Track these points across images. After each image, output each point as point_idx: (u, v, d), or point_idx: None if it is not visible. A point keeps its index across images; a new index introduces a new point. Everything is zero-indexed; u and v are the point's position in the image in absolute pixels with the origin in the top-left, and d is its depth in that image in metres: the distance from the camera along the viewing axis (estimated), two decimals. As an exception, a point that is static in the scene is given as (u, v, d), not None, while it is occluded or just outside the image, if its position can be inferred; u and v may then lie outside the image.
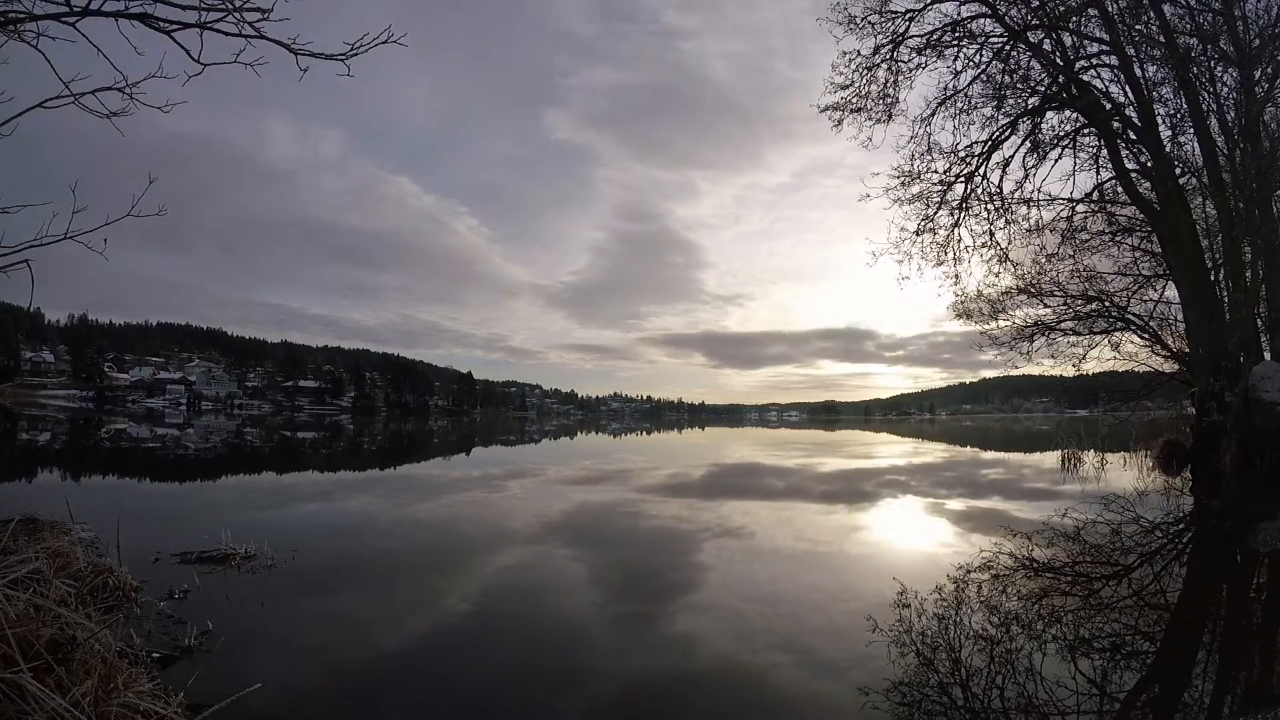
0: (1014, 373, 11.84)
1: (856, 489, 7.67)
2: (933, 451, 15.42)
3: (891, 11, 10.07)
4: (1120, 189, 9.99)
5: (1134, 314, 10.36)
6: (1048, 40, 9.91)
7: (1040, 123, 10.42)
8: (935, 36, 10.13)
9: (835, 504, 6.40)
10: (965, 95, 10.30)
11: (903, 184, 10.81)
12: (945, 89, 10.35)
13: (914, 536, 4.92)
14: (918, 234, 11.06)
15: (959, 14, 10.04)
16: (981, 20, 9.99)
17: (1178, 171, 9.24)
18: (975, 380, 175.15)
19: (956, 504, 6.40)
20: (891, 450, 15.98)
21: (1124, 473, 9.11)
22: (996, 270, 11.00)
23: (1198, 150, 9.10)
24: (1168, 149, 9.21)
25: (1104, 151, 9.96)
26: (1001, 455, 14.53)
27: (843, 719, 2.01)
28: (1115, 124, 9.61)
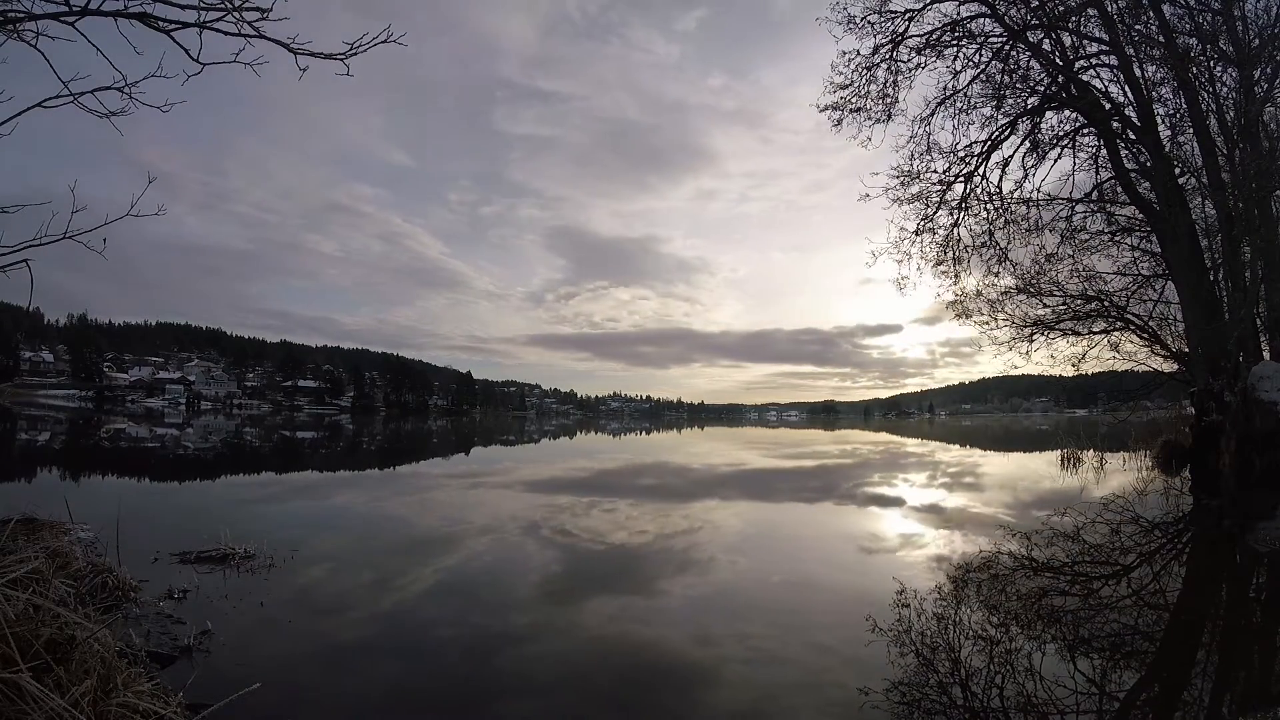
0: (1013, 372, 11.86)
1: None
2: (864, 453, 15.11)
3: (891, 11, 10.09)
4: (1120, 189, 10.01)
5: (1133, 314, 10.37)
6: (1047, 40, 9.92)
7: (1040, 123, 10.44)
8: (935, 36, 10.15)
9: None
10: (965, 95, 10.32)
11: (902, 184, 10.84)
12: (945, 89, 10.37)
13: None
14: (917, 234, 11.10)
15: (958, 14, 10.06)
16: (981, 20, 10.01)
17: (1177, 171, 9.25)
18: (976, 380, 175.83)
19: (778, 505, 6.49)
20: (831, 449, 15.94)
21: (1124, 472, 9.11)
22: (996, 270, 11.03)
23: (1197, 150, 9.11)
24: (1167, 149, 9.23)
25: (1103, 151, 9.98)
26: (936, 454, 14.54)
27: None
28: (1115, 124, 9.62)
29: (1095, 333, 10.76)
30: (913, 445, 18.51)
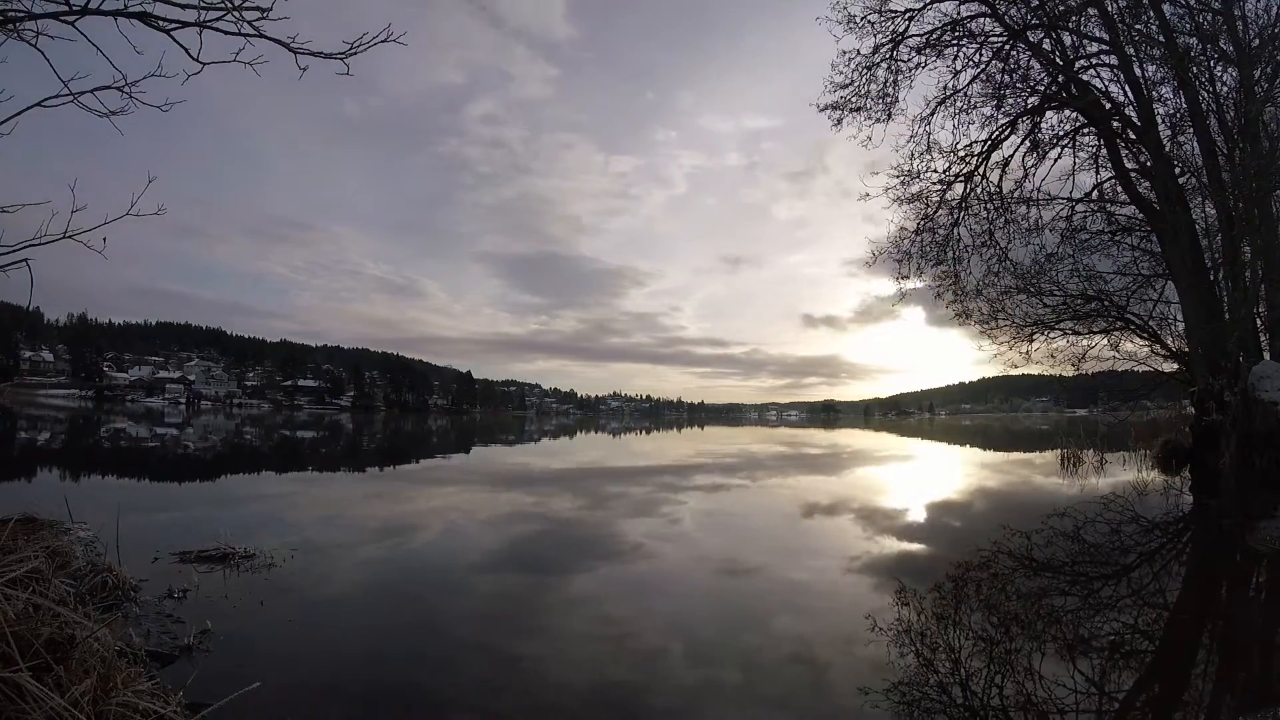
0: (1013, 372, 11.85)
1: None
2: (787, 450, 15.29)
3: (891, 11, 10.06)
4: (1120, 189, 9.99)
5: (1134, 314, 10.35)
6: (1047, 40, 9.90)
7: (1040, 122, 10.42)
8: (935, 36, 10.12)
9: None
10: (965, 95, 10.30)
11: (902, 183, 10.81)
12: (945, 88, 10.34)
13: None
14: (917, 233, 11.07)
15: (958, 13, 10.03)
16: (981, 20, 9.98)
17: (1177, 171, 9.23)
18: (976, 380, 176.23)
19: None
20: (767, 448, 15.98)
21: (1123, 471, 9.10)
22: (996, 270, 11.00)
23: (1197, 150, 9.09)
24: (1167, 149, 9.21)
25: (1103, 151, 9.96)
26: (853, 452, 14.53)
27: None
28: (1115, 123, 9.61)
29: (1095, 332, 10.74)
30: (884, 448, 18.50)
